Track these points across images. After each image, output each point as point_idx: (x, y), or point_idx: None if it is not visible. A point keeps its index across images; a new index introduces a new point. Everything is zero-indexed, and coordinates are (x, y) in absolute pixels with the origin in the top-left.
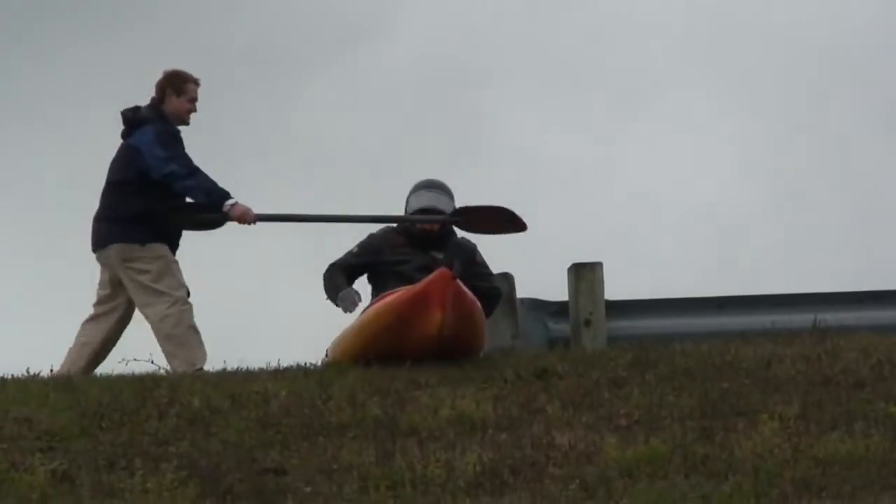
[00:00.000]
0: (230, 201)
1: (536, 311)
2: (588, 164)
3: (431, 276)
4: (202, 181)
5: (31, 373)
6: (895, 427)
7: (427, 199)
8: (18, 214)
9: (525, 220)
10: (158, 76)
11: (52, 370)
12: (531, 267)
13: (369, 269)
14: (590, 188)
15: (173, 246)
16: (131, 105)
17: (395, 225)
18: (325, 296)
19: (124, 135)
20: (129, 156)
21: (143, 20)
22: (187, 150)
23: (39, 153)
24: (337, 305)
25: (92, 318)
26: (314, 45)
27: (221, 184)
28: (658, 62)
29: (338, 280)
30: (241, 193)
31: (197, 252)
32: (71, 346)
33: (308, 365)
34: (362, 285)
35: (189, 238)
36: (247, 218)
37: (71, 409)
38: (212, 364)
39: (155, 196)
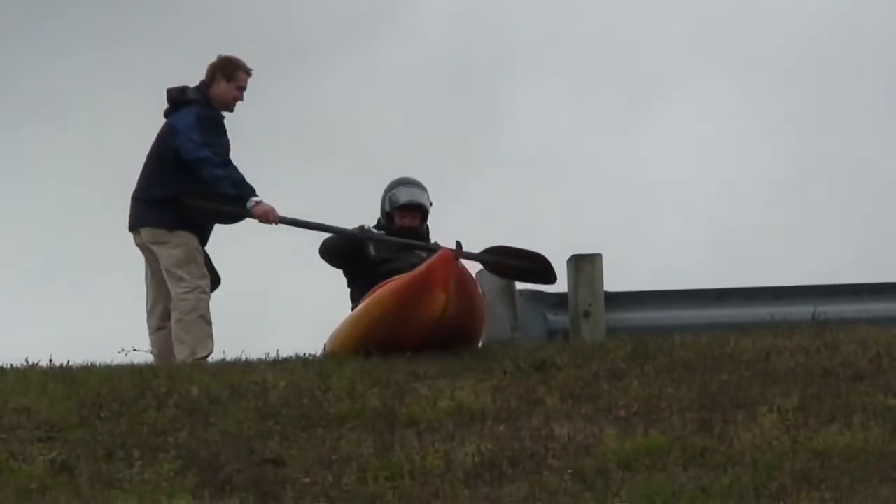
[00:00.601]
0: (255, 198)
1: (535, 303)
2: (598, 154)
3: (434, 258)
4: (232, 173)
5: (31, 363)
6: (894, 419)
7: (406, 195)
8: (17, 205)
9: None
10: (212, 59)
11: (50, 360)
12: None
13: (354, 257)
14: (597, 178)
15: (204, 236)
16: (177, 85)
17: (382, 224)
18: (327, 257)
19: (167, 113)
20: (168, 135)
21: (160, 8)
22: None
23: (44, 144)
24: (343, 243)
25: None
26: (329, 34)
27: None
28: (672, 52)
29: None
30: (254, 180)
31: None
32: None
33: (307, 356)
34: (338, 295)
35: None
36: (269, 217)
37: (70, 400)
38: (211, 354)
39: (189, 180)
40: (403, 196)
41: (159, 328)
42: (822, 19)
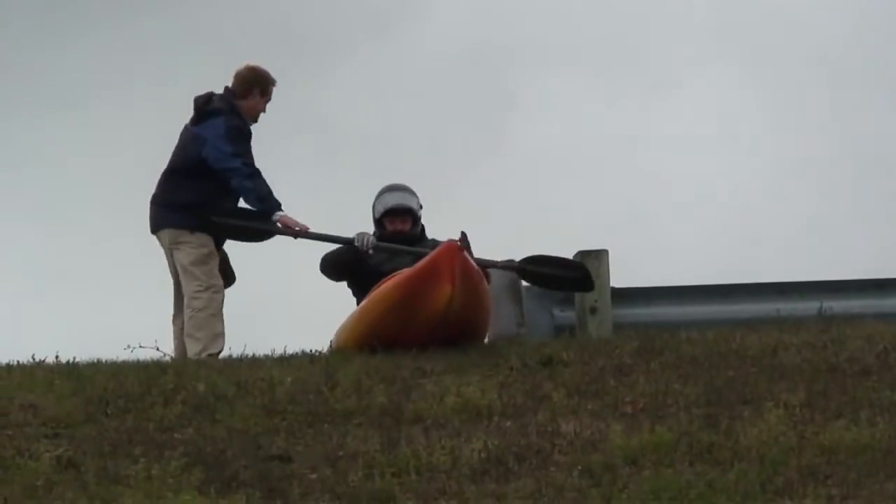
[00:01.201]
0: (279, 213)
1: (542, 299)
2: (610, 148)
3: (439, 249)
4: (259, 186)
5: (37, 359)
6: None
7: (394, 199)
8: (28, 200)
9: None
10: (241, 68)
11: (57, 357)
12: (524, 252)
13: (355, 267)
14: (607, 173)
15: (219, 240)
16: (202, 93)
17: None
18: (328, 273)
19: (193, 122)
20: (194, 143)
21: (173, 2)
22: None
23: (63, 132)
24: (343, 254)
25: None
26: (346, 28)
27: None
28: (686, 45)
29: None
30: (270, 177)
31: None
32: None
33: (314, 352)
34: (343, 292)
35: None
36: (293, 230)
37: (76, 396)
38: (222, 352)
39: (211, 187)
40: (391, 201)
41: (183, 331)
42: (839, 14)
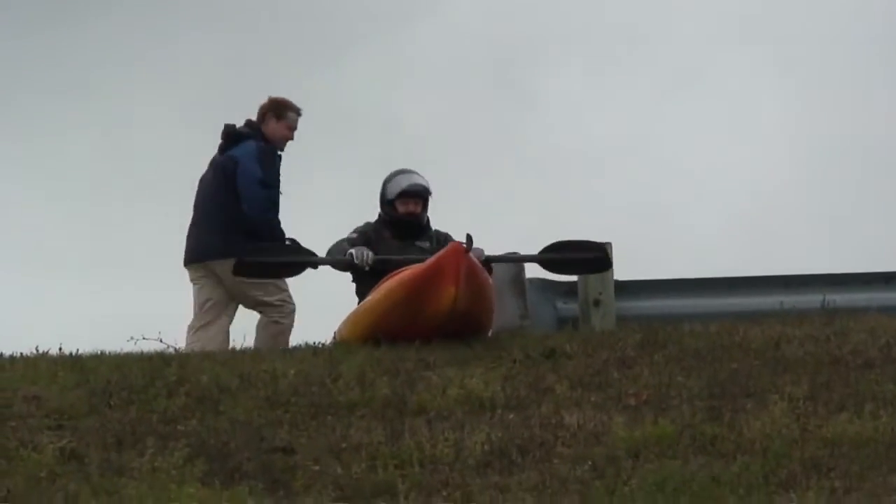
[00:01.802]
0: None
1: (545, 292)
2: (622, 142)
3: (444, 250)
4: (275, 225)
5: (40, 351)
6: None
7: (408, 181)
8: (37, 189)
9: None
10: (263, 101)
11: (60, 348)
12: (541, 247)
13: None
14: (618, 167)
15: None
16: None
17: (383, 217)
18: (331, 266)
19: (222, 149)
20: (228, 166)
21: None
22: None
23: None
24: (344, 267)
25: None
26: (361, 20)
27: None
28: (705, 39)
29: (344, 245)
30: (289, 168)
31: None
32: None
33: (317, 344)
34: (347, 284)
35: None
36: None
37: (80, 388)
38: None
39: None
40: (405, 183)
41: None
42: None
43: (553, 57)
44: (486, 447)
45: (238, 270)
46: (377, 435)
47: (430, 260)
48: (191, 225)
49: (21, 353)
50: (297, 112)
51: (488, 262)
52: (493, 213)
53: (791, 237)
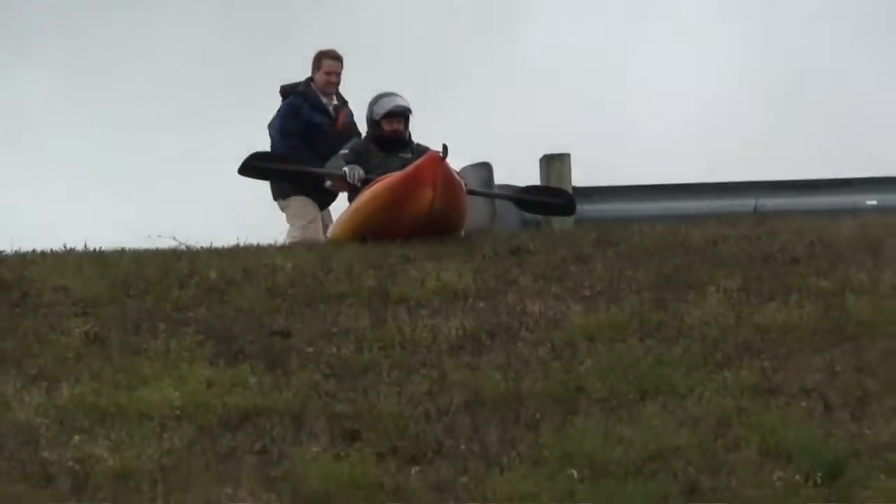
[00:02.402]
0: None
1: None
2: (593, 63)
3: (423, 158)
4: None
5: (68, 248)
6: (825, 299)
7: (392, 102)
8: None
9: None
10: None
11: (85, 245)
12: (508, 157)
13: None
14: (589, 84)
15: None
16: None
17: (371, 134)
18: (326, 178)
19: None
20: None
21: None
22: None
23: (110, 35)
24: (337, 185)
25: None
26: None
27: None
28: None
29: (339, 161)
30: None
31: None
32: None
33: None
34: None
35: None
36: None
37: (102, 280)
38: (226, 240)
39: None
40: (390, 104)
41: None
42: None
43: None
44: (459, 332)
45: (243, 171)
46: (363, 321)
47: (411, 167)
48: None
49: (51, 249)
50: (333, 57)
51: (471, 193)
52: (446, 123)
53: (728, 147)
